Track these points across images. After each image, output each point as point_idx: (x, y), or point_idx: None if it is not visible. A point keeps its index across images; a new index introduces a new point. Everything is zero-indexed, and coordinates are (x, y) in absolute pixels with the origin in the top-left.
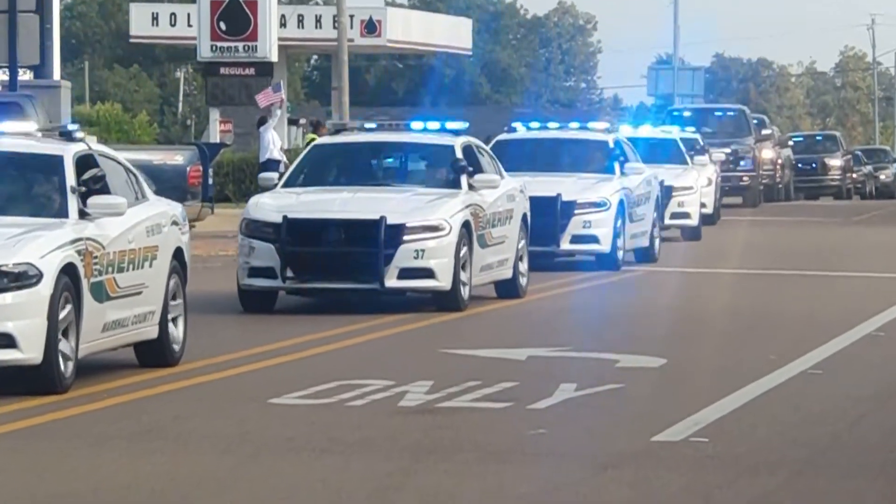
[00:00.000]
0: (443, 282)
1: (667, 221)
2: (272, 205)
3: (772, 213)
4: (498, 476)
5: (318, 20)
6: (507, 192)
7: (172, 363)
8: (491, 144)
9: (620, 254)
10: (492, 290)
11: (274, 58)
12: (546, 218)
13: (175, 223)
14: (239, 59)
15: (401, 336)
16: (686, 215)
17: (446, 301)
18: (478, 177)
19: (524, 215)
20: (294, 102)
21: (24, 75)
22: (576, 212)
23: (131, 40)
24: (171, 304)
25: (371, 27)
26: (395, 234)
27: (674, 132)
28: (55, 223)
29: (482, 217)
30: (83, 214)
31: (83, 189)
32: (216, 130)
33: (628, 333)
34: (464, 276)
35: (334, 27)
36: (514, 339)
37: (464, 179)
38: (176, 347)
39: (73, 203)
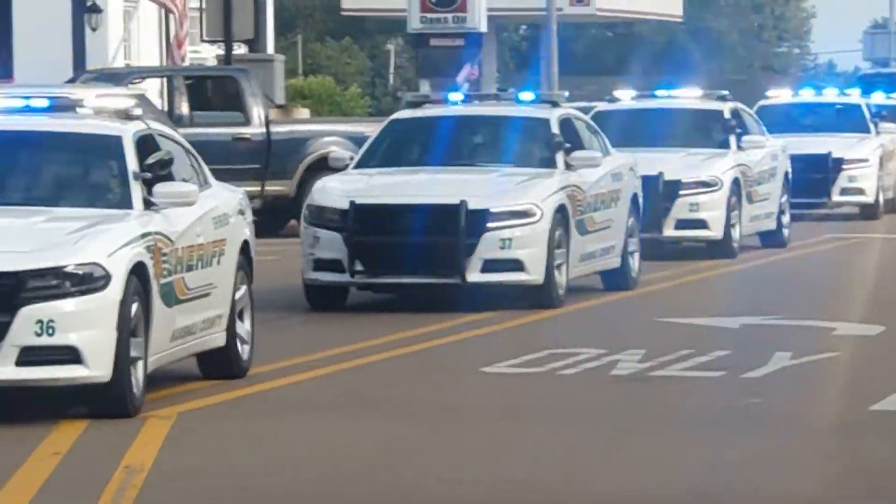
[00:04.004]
0: (534, 275)
1: (836, 198)
2: (340, 189)
3: None
4: (714, 444)
5: None
6: (612, 170)
7: (240, 374)
8: (590, 116)
9: (736, 241)
10: (597, 282)
11: (483, 28)
12: (646, 200)
13: (241, 212)
14: (448, 30)
15: (614, 305)
16: (859, 191)
17: (538, 297)
18: (576, 154)
19: (634, 196)
20: (502, 73)
21: (239, 49)
22: (681, 193)
23: (342, 13)
24: (238, 307)
25: None
26: (478, 220)
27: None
28: (118, 215)
29: (581, 200)
30: (148, 204)
31: (148, 175)
32: None
33: (843, 301)
34: (559, 268)
35: None
36: (726, 307)
37: (560, 157)
38: (245, 356)
39: (136, 191)
